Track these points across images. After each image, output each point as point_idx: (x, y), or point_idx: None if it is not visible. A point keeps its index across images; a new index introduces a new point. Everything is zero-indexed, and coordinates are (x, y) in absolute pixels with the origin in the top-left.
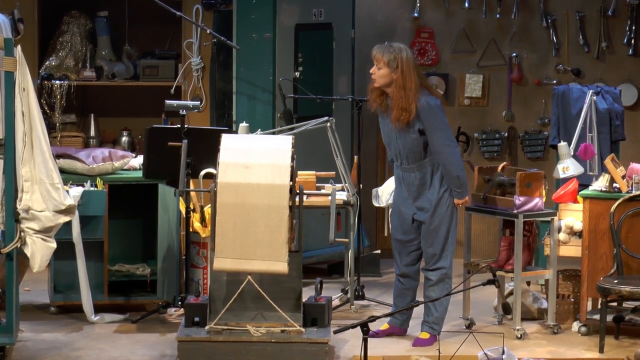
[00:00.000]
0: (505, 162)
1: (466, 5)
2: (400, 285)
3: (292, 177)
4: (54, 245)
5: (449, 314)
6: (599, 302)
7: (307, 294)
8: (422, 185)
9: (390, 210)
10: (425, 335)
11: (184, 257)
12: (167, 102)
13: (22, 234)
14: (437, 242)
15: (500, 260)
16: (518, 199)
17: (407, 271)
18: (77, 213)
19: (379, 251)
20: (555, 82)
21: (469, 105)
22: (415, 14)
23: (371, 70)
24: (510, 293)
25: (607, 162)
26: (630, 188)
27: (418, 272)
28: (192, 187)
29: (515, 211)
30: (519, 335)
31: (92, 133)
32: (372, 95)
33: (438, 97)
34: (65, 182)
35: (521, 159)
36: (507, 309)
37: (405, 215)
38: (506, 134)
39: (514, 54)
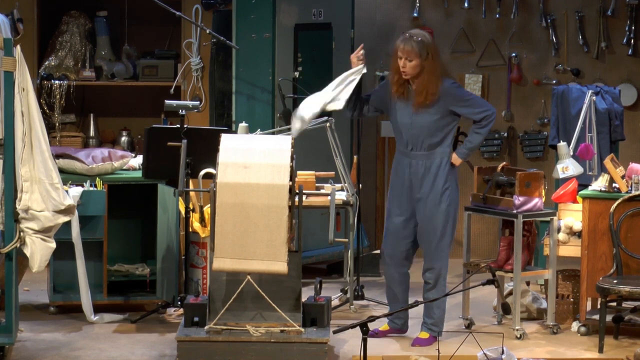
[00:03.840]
0: (504, 162)
1: (465, 5)
2: (394, 284)
3: (292, 177)
4: (53, 245)
5: (449, 314)
6: (599, 302)
7: (307, 294)
8: (425, 175)
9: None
10: (424, 335)
11: (183, 257)
12: (167, 102)
13: (21, 234)
14: (435, 239)
15: (499, 260)
16: (517, 199)
17: (403, 262)
18: (76, 213)
19: (378, 251)
20: (554, 82)
21: None
22: (415, 14)
23: (400, 64)
24: (510, 293)
25: (607, 162)
26: (630, 188)
27: (410, 262)
28: (191, 187)
29: (515, 211)
30: (519, 335)
31: (92, 133)
32: (395, 87)
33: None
34: (64, 182)
35: (520, 159)
36: (506, 309)
37: (404, 206)
38: (505, 134)
39: (514, 54)
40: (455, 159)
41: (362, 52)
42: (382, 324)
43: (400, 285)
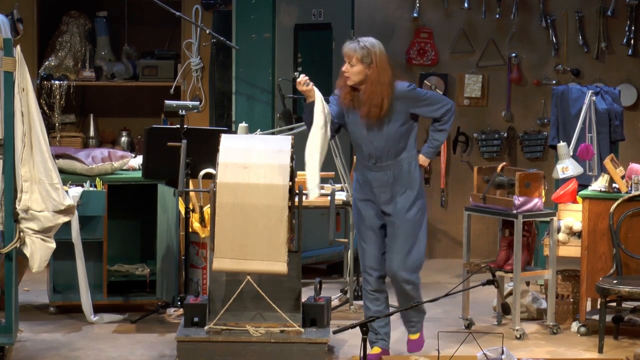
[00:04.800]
0: (504, 163)
1: (465, 5)
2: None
3: (292, 177)
4: (53, 245)
5: (449, 314)
6: (598, 302)
7: (307, 294)
8: (394, 183)
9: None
10: (415, 336)
11: (183, 257)
12: (167, 102)
13: (21, 234)
14: (407, 248)
15: (499, 261)
16: (517, 199)
17: (380, 278)
18: (76, 213)
19: None
20: (554, 82)
21: (468, 106)
22: (415, 14)
23: (344, 68)
24: (510, 293)
25: (607, 162)
26: (630, 188)
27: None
28: (191, 187)
29: (515, 211)
30: (518, 336)
31: (92, 133)
32: (342, 92)
33: None
34: (64, 182)
35: (520, 159)
36: (506, 309)
37: (370, 219)
38: (505, 134)
39: (514, 54)
40: (423, 160)
41: (305, 78)
42: (372, 347)
43: (385, 300)
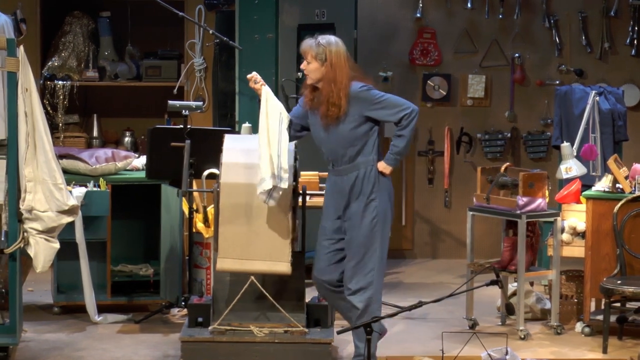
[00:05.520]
0: (508, 163)
1: (468, 5)
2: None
3: (295, 177)
4: (57, 245)
5: (452, 314)
6: (602, 302)
7: (310, 294)
8: (351, 189)
9: None
10: None
11: (187, 258)
12: (170, 102)
13: (25, 234)
14: (358, 256)
15: (503, 261)
16: (521, 200)
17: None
18: (80, 213)
19: None
20: (557, 82)
21: (472, 106)
22: (418, 15)
23: (302, 66)
24: (514, 293)
25: (610, 162)
26: (634, 188)
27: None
28: (195, 187)
29: (518, 212)
30: (522, 336)
31: (95, 133)
32: (304, 91)
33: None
34: (68, 183)
35: (524, 160)
36: (510, 310)
37: (326, 228)
38: (509, 135)
39: (517, 55)
40: (384, 167)
41: (254, 75)
42: None
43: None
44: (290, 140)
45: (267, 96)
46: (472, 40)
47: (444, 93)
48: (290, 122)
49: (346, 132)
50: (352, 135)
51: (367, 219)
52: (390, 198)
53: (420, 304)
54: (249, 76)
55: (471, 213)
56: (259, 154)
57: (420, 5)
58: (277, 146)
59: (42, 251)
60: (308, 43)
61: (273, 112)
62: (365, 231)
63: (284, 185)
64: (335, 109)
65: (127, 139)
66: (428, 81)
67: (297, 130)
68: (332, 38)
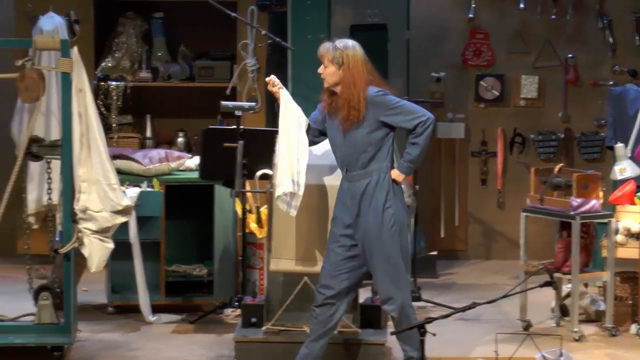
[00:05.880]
0: (561, 164)
1: (521, 6)
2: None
3: None
4: (111, 245)
5: (507, 315)
6: None
7: (364, 295)
8: (363, 196)
9: None
10: None
11: (240, 258)
12: (223, 103)
13: (79, 234)
14: (385, 265)
15: (557, 262)
16: (575, 201)
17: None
18: (134, 214)
19: (435, 252)
20: (611, 83)
21: (525, 107)
22: (470, 15)
23: (319, 70)
24: (568, 295)
25: None
26: None
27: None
28: (248, 187)
29: (572, 213)
30: (577, 338)
31: (148, 134)
32: (323, 96)
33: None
34: (121, 183)
35: (577, 160)
36: (564, 311)
37: (336, 235)
38: (562, 135)
39: (570, 55)
40: (397, 174)
41: (273, 79)
42: None
43: (331, 319)
44: (309, 145)
45: (286, 100)
46: (524, 40)
47: (497, 94)
48: (309, 127)
49: (361, 137)
50: (367, 141)
51: (385, 228)
52: (404, 205)
53: (474, 305)
54: (267, 79)
55: (524, 214)
56: (278, 157)
57: (473, 5)
58: (296, 151)
59: (97, 251)
60: (325, 47)
61: (291, 116)
62: (386, 241)
63: (301, 192)
64: (355, 112)
65: (180, 140)
66: (481, 82)
67: (315, 136)
68: (349, 42)
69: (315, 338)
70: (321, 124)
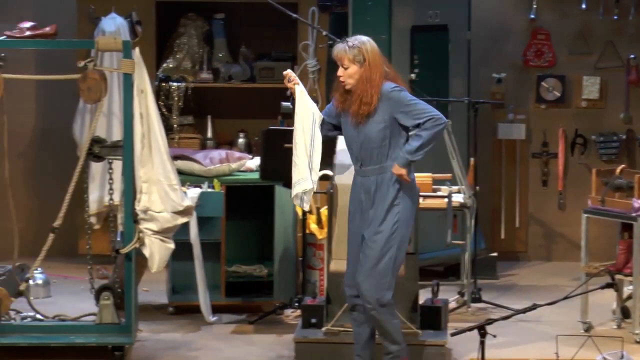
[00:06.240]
0: (623, 165)
1: (583, 6)
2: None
3: None
4: (172, 246)
5: (568, 316)
6: None
7: (424, 296)
8: (375, 192)
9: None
10: None
11: (300, 259)
12: (283, 103)
13: (140, 234)
14: (371, 260)
15: (618, 264)
16: (637, 202)
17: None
18: (194, 214)
19: (495, 254)
20: None
21: (586, 107)
22: (532, 16)
23: (338, 73)
24: (629, 297)
25: None
26: None
27: None
28: None
29: (634, 214)
30: (638, 340)
31: (209, 134)
32: (335, 94)
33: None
34: (182, 184)
35: (639, 162)
36: (626, 313)
37: (354, 234)
38: (624, 136)
39: (632, 56)
40: (397, 169)
41: (290, 73)
42: None
43: (364, 323)
44: (323, 140)
45: (301, 95)
46: (586, 41)
47: (558, 94)
48: (323, 121)
49: (375, 132)
50: (380, 136)
51: (388, 223)
52: (414, 205)
53: (534, 307)
54: (284, 73)
55: (586, 215)
56: (295, 155)
57: (534, 6)
58: (310, 147)
59: (158, 251)
60: (341, 48)
61: (306, 112)
62: (384, 236)
63: (314, 186)
64: (366, 107)
65: (240, 140)
66: (542, 82)
67: (329, 129)
68: (363, 37)
69: (362, 345)
70: (335, 118)
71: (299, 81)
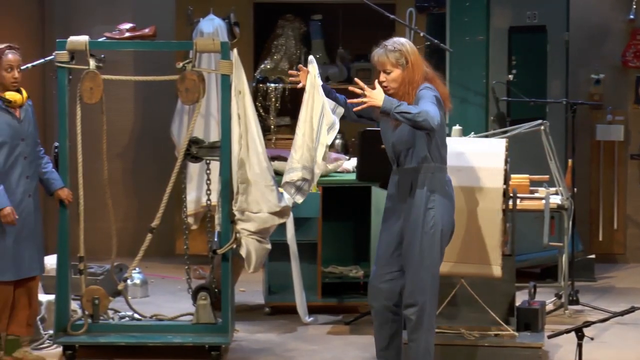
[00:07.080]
0: None
1: None
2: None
3: (506, 180)
4: (268, 246)
5: None
6: None
7: (520, 298)
8: (409, 192)
9: None
10: None
11: None
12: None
13: (237, 235)
14: (414, 267)
15: None
16: None
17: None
18: (291, 215)
19: (593, 256)
20: None
21: None
22: (631, 16)
23: (380, 79)
24: None
25: None
26: None
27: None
28: None
29: None
30: None
31: None
32: None
33: (442, 90)
34: (279, 184)
35: None
36: None
37: (385, 240)
38: None
39: None
40: (377, 96)
41: (300, 67)
42: None
43: (386, 325)
44: (351, 119)
45: (311, 88)
46: None
47: None
48: (349, 112)
49: (407, 131)
50: (412, 135)
51: (425, 228)
52: (451, 207)
53: (632, 309)
54: (299, 66)
55: None
56: (294, 143)
57: (634, 6)
58: (315, 141)
59: (254, 252)
60: (381, 54)
61: (315, 106)
62: (423, 241)
63: (315, 180)
64: None
65: (337, 141)
66: None
67: (354, 117)
68: (401, 39)
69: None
70: (367, 113)
71: (309, 70)
